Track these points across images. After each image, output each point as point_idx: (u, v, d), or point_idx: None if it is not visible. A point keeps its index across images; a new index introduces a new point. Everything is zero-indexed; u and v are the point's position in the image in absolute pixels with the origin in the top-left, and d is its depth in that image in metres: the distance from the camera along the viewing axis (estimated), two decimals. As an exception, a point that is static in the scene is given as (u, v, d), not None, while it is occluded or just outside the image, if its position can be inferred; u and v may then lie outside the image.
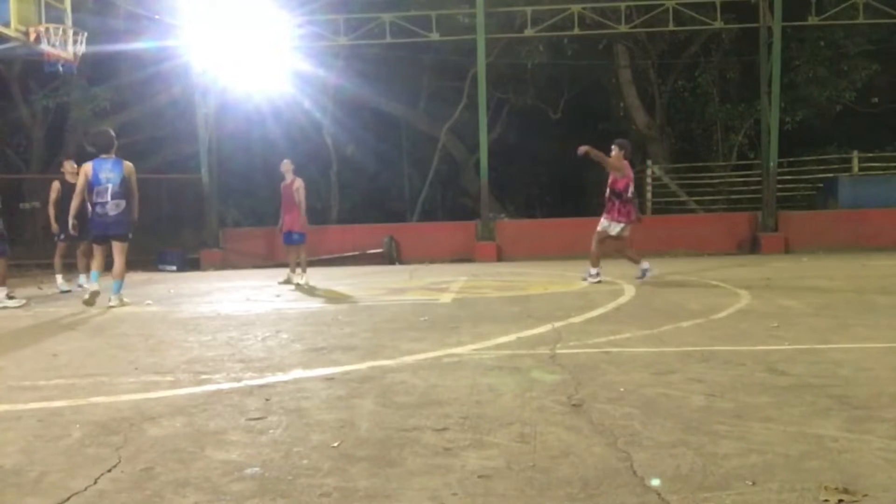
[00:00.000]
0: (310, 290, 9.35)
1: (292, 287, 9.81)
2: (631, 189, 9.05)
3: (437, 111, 20.33)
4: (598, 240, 9.12)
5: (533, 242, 14.94)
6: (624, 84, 19.77)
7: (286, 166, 10.36)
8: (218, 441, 2.91)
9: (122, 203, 7.76)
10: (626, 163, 9.05)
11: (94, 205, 7.75)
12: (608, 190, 9.06)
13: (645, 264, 9.24)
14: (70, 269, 10.10)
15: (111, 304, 7.71)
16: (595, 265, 9.13)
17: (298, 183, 10.21)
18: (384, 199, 22.59)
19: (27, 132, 18.37)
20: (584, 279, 9.17)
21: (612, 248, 9.38)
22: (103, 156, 7.83)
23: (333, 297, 8.50)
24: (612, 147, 9.06)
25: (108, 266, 8.19)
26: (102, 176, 7.71)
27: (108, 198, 7.69)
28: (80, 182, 7.88)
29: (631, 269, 9.49)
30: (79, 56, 10.87)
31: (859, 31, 16.93)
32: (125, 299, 7.94)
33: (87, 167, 7.79)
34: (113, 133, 8.11)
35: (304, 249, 10.47)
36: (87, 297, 7.69)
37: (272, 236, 13.44)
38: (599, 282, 8.98)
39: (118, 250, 7.90)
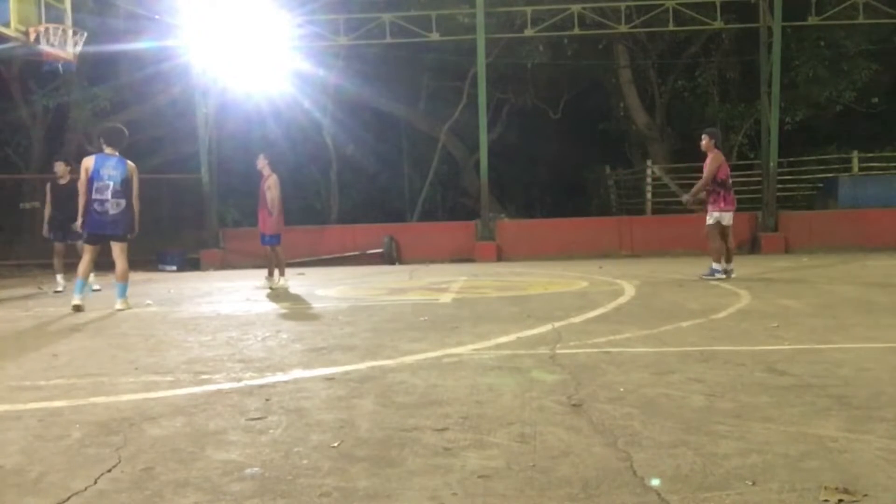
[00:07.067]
0: (296, 294, 9.29)
1: (268, 291, 9.30)
2: (729, 176, 9.09)
3: (437, 111, 20.33)
4: (715, 233, 8.98)
5: (533, 242, 14.94)
6: (624, 84, 19.78)
7: (261, 162, 9.61)
8: (218, 441, 2.91)
9: (123, 203, 7.49)
10: (717, 151, 9.06)
11: (92, 202, 7.41)
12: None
13: (717, 266, 8.99)
14: (70, 268, 10.10)
15: (118, 307, 7.45)
16: (719, 260, 8.97)
17: (271, 181, 9.48)
18: (384, 199, 22.58)
19: (27, 132, 18.36)
20: (705, 277, 8.95)
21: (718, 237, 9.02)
22: (108, 151, 7.56)
23: (333, 298, 8.50)
24: (703, 136, 9.12)
25: (106, 267, 8.18)
26: (105, 172, 7.42)
27: (109, 195, 7.41)
28: (82, 177, 7.48)
29: (631, 269, 9.49)
30: (78, 56, 10.86)
31: (859, 31, 16.91)
32: (130, 302, 7.69)
33: (89, 161, 7.47)
34: (126, 132, 7.82)
35: (278, 252, 9.78)
36: (74, 304, 7.37)
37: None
38: (725, 278, 8.86)
39: (118, 251, 7.63)
